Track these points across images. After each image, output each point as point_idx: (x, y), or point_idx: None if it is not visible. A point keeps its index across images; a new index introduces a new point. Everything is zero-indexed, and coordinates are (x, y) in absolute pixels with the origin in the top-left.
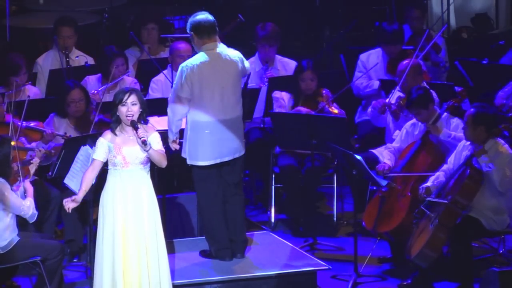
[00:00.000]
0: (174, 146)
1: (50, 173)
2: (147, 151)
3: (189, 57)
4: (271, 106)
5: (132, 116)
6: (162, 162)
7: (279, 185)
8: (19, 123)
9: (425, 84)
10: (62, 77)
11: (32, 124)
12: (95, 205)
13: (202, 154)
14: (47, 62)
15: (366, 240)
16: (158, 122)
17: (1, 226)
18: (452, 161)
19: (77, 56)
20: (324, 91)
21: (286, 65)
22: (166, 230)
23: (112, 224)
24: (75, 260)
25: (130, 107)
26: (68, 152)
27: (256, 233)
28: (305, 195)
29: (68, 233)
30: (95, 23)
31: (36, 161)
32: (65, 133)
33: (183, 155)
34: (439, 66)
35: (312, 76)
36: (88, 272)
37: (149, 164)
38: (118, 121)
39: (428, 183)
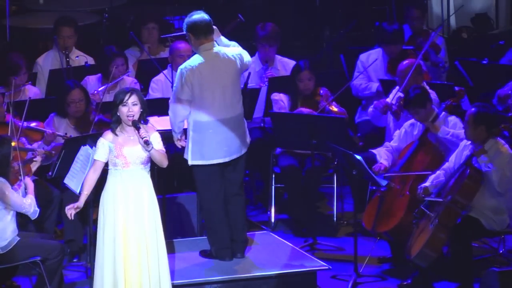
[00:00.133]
0: (180, 144)
1: (50, 173)
2: (149, 151)
3: (189, 57)
4: (271, 107)
5: (133, 116)
6: (163, 162)
7: (279, 185)
8: (20, 124)
9: (425, 84)
10: (62, 77)
11: (32, 124)
12: (95, 205)
13: (207, 153)
14: (47, 62)
15: (366, 240)
16: (158, 122)
17: (1, 226)
18: (453, 160)
19: (77, 56)
20: (322, 91)
21: (286, 65)
22: (166, 230)
23: (113, 224)
24: (75, 260)
25: (131, 107)
26: (68, 152)
27: (256, 233)
28: (306, 195)
29: (68, 233)
30: (95, 23)
31: (38, 159)
32: (66, 133)
33: (185, 156)
34: (438, 66)
35: (309, 76)
36: (88, 272)
37: (149, 164)
38: (119, 121)
39: (427, 183)
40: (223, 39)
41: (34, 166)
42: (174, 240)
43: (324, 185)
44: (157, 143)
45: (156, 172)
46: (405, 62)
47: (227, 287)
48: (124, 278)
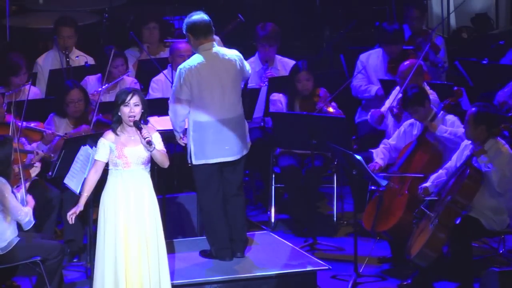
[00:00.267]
0: (184, 142)
1: (50, 173)
2: (151, 151)
3: (189, 57)
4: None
5: (134, 117)
6: (165, 162)
7: (279, 185)
8: (19, 124)
9: (425, 85)
10: (62, 77)
11: (32, 124)
12: (95, 205)
13: (209, 152)
14: (47, 62)
15: (366, 240)
16: (158, 122)
17: (1, 226)
18: (455, 159)
19: (77, 56)
20: (320, 91)
21: (286, 65)
22: (166, 230)
23: (113, 225)
24: (75, 260)
25: (133, 108)
26: (68, 152)
27: (256, 233)
28: (306, 195)
29: (68, 233)
30: (95, 23)
31: (38, 165)
32: (65, 134)
33: (188, 158)
34: (437, 66)
35: (307, 76)
36: (88, 272)
37: (149, 165)
38: (119, 121)
39: (428, 183)
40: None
41: (33, 172)
42: (174, 240)
43: (324, 185)
44: (158, 143)
45: (156, 172)
46: (406, 62)
47: (227, 287)
48: (125, 278)
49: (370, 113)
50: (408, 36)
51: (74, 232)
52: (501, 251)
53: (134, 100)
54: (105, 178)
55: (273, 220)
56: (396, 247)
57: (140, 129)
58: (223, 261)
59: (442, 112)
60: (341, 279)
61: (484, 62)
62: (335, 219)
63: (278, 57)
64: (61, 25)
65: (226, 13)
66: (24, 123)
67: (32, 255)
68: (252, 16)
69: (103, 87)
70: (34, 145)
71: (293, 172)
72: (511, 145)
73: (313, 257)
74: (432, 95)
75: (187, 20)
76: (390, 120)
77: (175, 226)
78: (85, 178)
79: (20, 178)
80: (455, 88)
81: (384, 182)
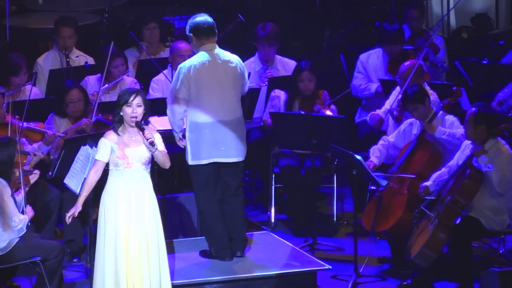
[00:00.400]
0: (183, 144)
1: (50, 173)
2: (153, 152)
3: (190, 57)
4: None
5: (136, 118)
6: (166, 163)
7: (279, 185)
8: (20, 124)
9: (426, 85)
10: (62, 77)
11: (32, 125)
12: (95, 205)
13: (204, 152)
14: (47, 62)
15: (366, 240)
16: (158, 122)
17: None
18: (457, 158)
19: (77, 56)
20: (323, 94)
21: (286, 65)
22: (166, 230)
23: (114, 225)
24: (75, 260)
25: (135, 109)
26: (68, 152)
27: (256, 233)
28: (305, 195)
29: (68, 233)
30: (95, 23)
31: (37, 172)
32: (66, 134)
33: (186, 158)
34: (437, 66)
35: (310, 76)
36: (88, 272)
37: (150, 165)
38: (121, 121)
39: (429, 182)
40: None
41: (33, 179)
42: (174, 240)
43: (324, 185)
44: (159, 144)
45: (156, 172)
46: (407, 63)
47: (227, 287)
48: (126, 279)
49: (369, 116)
50: (408, 36)
51: (74, 232)
52: (501, 251)
53: (137, 101)
54: (105, 178)
55: (273, 220)
56: (396, 247)
57: (142, 130)
58: (223, 261)
59: (441, 112)
60: (341, 279)
61: (484, 62)
62: (335, 219)
63: (278, 57)
64: (61, 25)
65: (226, 13)
66: (24, 123)
67: (32, 255)
68: (252, 16)
69: (103, 87)
70: (35, 145)
71: (292, 172)
72: (511, 145)
73: (313, 257)
74: (433, 96)
75: (190, 21)
76: (390, 122)
77: (175, 226)
78: (85, 178)
79: (20, 182)
80: (455, 88)
81: (384, 182)
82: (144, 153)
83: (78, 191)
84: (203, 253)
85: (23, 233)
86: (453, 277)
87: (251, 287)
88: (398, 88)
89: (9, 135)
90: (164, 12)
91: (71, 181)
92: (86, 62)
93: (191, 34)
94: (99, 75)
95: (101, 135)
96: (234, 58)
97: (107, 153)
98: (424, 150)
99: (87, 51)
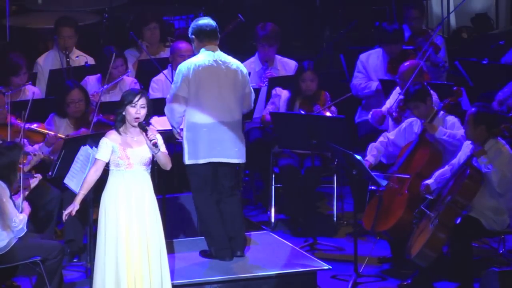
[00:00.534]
0: (182, 136)
1: (50, 173)
2: (156, 153)
3: (190, 57)
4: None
5: (139, 119)
6: (168, 164)
7: (279, 185)
8: (22, 125)
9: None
10: (62, 77)
11: (34, 125)
12: (95, 205)
13: (200, 152)
14: (47, 62)
15: (366, 240)
16: (158, 122)
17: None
18: (459, 157)
19: (77, 56)
20: (324, 95)
21: (286, 65)
22: (166, 230)
23: (115, 225)
24: (75, 260)
25: (139, 109)
26: (68, 152)
27: (256, 233)
28: (304, 194)
29: (68, 233)
30: (95, 23)
31: (38, 176)
32: (67, 136)
33: (183, 158)
34: (438, 66)
35: (312, 77)
36: (88, 272)
37: (150, 166)
38: (123, 121)
39: (431, 180)
40: None
41: (33, 183)
42: (174, 240)
43: (324, 185)
44: (161, 145)
45: (156, 172)
46: (407, 64)
47: (227, 287)
48: (127, 279)
49: (371, 113)
50: (408, 36)
51: (74, 232)
52: (501, 251)
53: (142, 102)
54: (105, 178)
55: (273, 220)
56: (396, 247)
57: (145, 130)
58: (223, 261)
59: (442, 112)
60: (341, 279)
61: (484, 62)
62: (335, 219)
63: (278, 57)
64: (61, 25)
65: (226, 13)
66: (26, 124)
67: (31, 255)
68: (252, 16)
69: (103, 87)
70: (36, 146)
71: (291, 172)
72: (511, 145)
73: (313, 257)
74: (433, 96)
75: (194, 23)
76: (390, 122)
77: (175, 226)
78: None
79: (20, 186)
80: (455, 87)
81: (384, 182)
82: (145, 154)
83: (78, 191)
84: (203, 253)
85: (24, 233)
86: (453, 277)
87: (251, 287)
88: (398, 89)
89: (9, 136)
90: (164, 12)
91: (71, 181)
92: (86, 62)
93: (193, 36)
94: (99, 75)
95: (101, 135)
96: (235, 62)
97: (108, 152)
98: (425, 150)
99: (87, 51)
